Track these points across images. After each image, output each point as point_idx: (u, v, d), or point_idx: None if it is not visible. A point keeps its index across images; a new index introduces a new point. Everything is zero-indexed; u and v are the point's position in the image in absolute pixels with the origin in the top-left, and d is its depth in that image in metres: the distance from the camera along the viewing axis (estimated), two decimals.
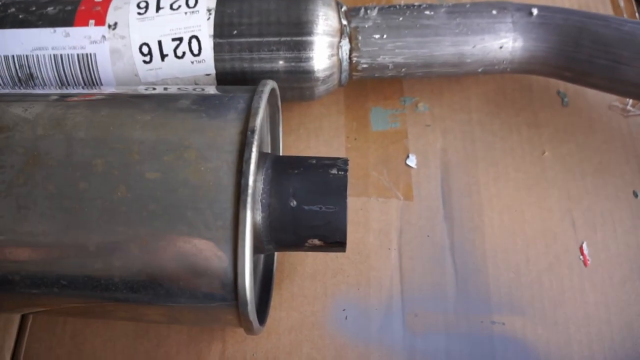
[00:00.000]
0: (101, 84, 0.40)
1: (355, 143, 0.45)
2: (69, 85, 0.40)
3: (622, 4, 0.53)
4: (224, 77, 0.39)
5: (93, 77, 0.39)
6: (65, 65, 0.39)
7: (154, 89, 0.37)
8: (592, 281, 0.41)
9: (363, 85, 0.47)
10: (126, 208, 0.28)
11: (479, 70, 0.42)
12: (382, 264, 0.41)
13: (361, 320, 0.39)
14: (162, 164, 0.29)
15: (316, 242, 0.32)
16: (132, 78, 0.39)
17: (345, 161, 0.32)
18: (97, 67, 0.39)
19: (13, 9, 0.40)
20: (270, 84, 0.34)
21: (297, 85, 0.40)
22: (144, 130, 0.30)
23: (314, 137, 0.45)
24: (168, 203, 0.28)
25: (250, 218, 0.27)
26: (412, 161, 0.44)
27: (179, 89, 0.37)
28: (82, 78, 0.39)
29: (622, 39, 0.40)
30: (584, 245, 0.42)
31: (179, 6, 0.39)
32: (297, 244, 0.32)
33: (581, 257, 0.41)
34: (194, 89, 0.35)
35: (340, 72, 0.41)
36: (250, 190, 0.27)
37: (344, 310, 0.40)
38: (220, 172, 0.28)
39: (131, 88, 0.37)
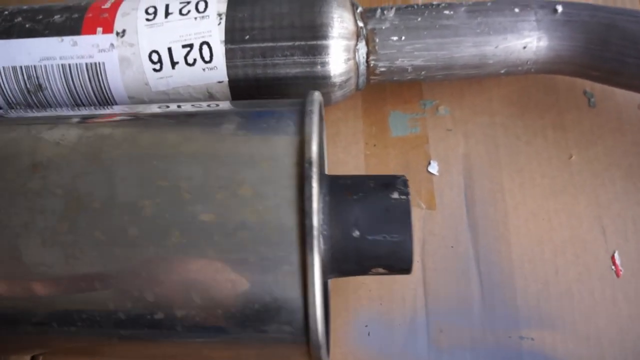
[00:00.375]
0: (111, 95, 0.38)
1: (374, 149, 0.44)
2: (79, 96, 0.39)
3: None
4: (237, 84, 0.38)
5: (102, 86, 0.38)
6: (74, 75, 0.38)
7: (167, 107, 0.35)
8: (625, 292, 0.39)
9: (381, 89, 0.45)
10: (182, 254, 0.27)
11: (502, 71, 0.40)
12: (405, 277, 0.39)
13: (384, 336, 0.38)
14: (216, 203, 0.26)
15: (380, 270, 0.30)
16: (143, 87, 0.38)
17: (405, 182, 0.30)
18: (106, 76, 0.38)
19: (20, 18, 0.39)
20: (317, 99, 0.31)
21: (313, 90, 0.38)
22: (191, 164, 0.28)
23: (332, 144, 0.44)
24: (227, 247, 0.26)
25: (319, 261, 0.26)
26: (433, 168, 0.42)
27: (217, 105, 0.35)
28: (92, 88, 0.38)
29: None
30: (616, 255, 0.40)
31: (189, 11, 0.37)
32: (361, 272, 0.31)
33: (613, 267, 0.39)
34: (236, 109, 0.33)
35: (358, 76, 0.39)
36: (315, 232, 0.26)
37: (366, 326, 0.38)
38: (280, 212, 0.26)
39: (165, 106, 0.35)
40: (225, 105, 0.35)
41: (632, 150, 0.43)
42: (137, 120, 0.33)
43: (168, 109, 0.34)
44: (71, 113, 0.34)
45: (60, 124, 0.32)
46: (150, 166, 0.28)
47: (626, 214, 0.41)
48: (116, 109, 0.35)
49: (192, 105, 0.35)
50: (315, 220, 0.26)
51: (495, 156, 0.43)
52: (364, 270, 0.30)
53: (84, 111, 0.35)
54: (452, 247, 0.40)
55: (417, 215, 0.41)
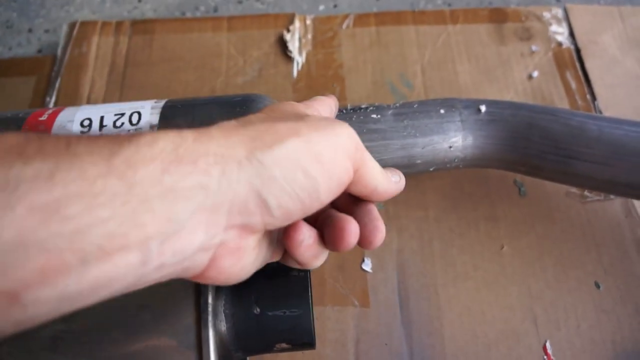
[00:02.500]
0: None
1: None
2: None
3: (573, 85, 0.53)
4: None
5: None
6: None
7: None
8: None
9: None
10: None
11: (431, 169, 0.42)
12: None
13: None
14: None
15: (284, 345, 0.31)
16: None
17: None
18: None
19: None
20: None
21: None
22: None
23: None
24: (132, 328, 0.28)
25: (213, 336, 0.27)
26: (367, 265, 0.43)
27: None
28: None
29: (571, 133, 0.40)
30: (547, 344, 0.41)
31: (122, 123, 0.38)
32: (266, 349, 0.32)
33: (545, 356, 0.40)
34: None
35: None
36: (210, 309, 0.28)
37: None
38: (180, 293, 0.28)
39: None
40: None
41: (562, 237, 0.45)
42: None
43: None
44: None
45: None
46: None
47: (558, 302, 0.42)
48: None
49: None
50: (210, 298, 0.28)
51: (429, 250, 0.44)
52: (268, 346, 0.31)
53: None
54: (386, 344, 0.40)
55: (351, 314, 0.41)
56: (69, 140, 0.18)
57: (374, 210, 0.28)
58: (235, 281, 0.24)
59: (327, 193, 0.24)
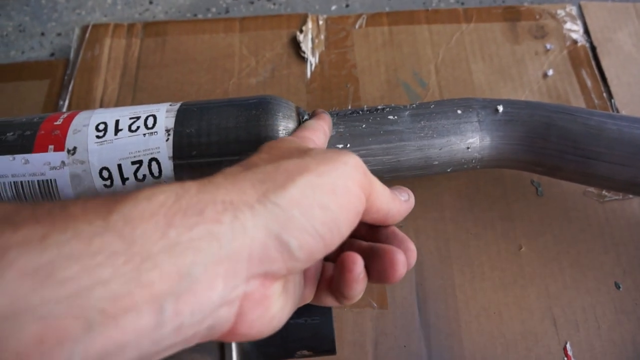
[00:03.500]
0: None
1: None
2: None
3: (589, 84, 0.53)
4: None
5: None
6: (26, 192, 0.38)
7: None
8: None
9: None
10: None
11: (448, 170, 0.42)
12: None
13: None
14: None
15: (305, 352, 0.31)
16: None
17: None
18: (58, 192, 0.38)
19: None
20: None
21: None
22: None
23: None
24: None
25: (236, 345, 0.28)
26: None
27: None
28: None
29: (589, 133, 0.39)
30: (568, 346, 0.40)
31: (138, 127, 0.38)
32: (287, 355, 0.32)
33: (565, 358, 0.40)
34: None
35: None
36: None
37: None
38: None
39: None
40: None
41: (580, 237, 0.44)
42: None
43: None
44: None
45: None
46: None
47: (576, 303, 0.42)
48: None
49: None
50: None
51: (446, 251, 0.44)
52: (289, 353, 0.31)
53: None
54: (404, 346, 0.40)
55: (369, 316, 0.41)
56: (65, 204, 0.18)
57: (398, 233, 0.28)
58: (269, 332, 0.23)
59: (347, 225, 0.23)
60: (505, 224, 0.45)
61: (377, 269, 0.25)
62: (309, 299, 0.28)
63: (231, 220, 0.19)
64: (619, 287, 0.42)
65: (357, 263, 0.24)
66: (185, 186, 0.20)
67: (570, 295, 0.42)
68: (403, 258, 0.25)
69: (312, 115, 0.38)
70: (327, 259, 0.29)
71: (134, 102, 0.53)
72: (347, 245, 0.28)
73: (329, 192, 0.22)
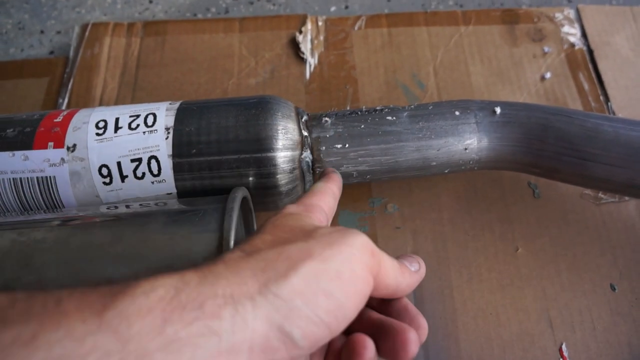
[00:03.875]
0: (63, 206, 0.39)
1: None
2: (30, 208, 0.39)
3: (586, 87, 0.53)
4: (185, 196, 0.38)
5: (54, 199, 0.39)
6: (25, 189, 0.38)
7: (116, 207, 0.37)
8: None
9: None
10: None
11: (446, 171, 0.42)
12: None
13: None
14: None
15: None
16: (94, 199, 0.39)
17: None
18: (57, 189, 0.38)
19: None
20: (239, 196, 0.33)
21: (260, 199, 0.39)
22: (117, 266, 0.30)
23: None
24: None
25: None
26: None
27: (141, 205, 0.36)
28: (43, 201, 0.39)
29: (586, 135, 0.40)
30: (564, 347, 0.40)
31: (138, 125, 0.38)
32: None
33: (561, 359, 0.40)
34: (165, 209, 0.35)
35: (304, 183, 0.40)
36: None
37: None
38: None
39: (95, 208, 0.37)
40: (170, 203, 0.37)
41: (577, 239, 0.45)
42: (72, 222, 0.34)
43: (111, 211, 0.35)
44: (8, 220, 0.35)
45: None
46: (78, 268, 0.30)
47: (573, 304, 0.42)
48: (53, 215, 0.36)
49: (140, 205, 0.36)
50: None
51: (444, 252, 0.44)
52: None
53: (21, 218, 0.36)
54: None
55: None
56: (60, 297, 0.17)
57: (410, 308, 0.27)
58: None
59: (354, 309, 0.23)
60: (502, 225, 0.45)
61: (388, 348, 0.24)
62: None
63: (232, 315, 0.19)
64: (615, 289, 0.43)
65: (368, 348, 0.23)
66: (185, 278, 0.20)
67: (566, 297, 0.42)
68: (416, 337, 0.24)
69: (322, 175, 0.36)
70: None
71: (134, 101, 0.53)
72: (356, 317, 0.28)
73: (334, 279, 0.22)
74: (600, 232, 0.45)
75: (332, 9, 0.63)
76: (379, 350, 0.25)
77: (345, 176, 0.40)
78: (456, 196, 0.46)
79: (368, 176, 0.41)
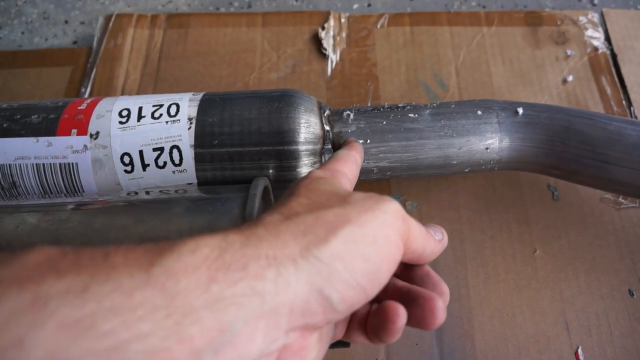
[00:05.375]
0: (83, 191, 0.39)
1: None
2: (51, 192, 0.40)
3: (609, 91, 0.52)
4: (206, 186, 0.39)
5: (75, 185, 0.39)
6: (47, 175, 0.39)
7: (136, 193, 0.37)
8: None
9: None
10: None
11: (466, 170, 0.42)
12: None
13: None
14: None
15: None
16: (114, 187, 0.39)
17: None
18: (79, 176, 0.39)
19: None
20: (262, 184, 0.33)
21: (281, 192, 0.39)
22: None
23: None
24: None
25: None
26: None
27: (162, 191, 0.37)
28: (65, 186, 0.39)
29: (609, 138, 0.39)
30: (580, 350, 0.40)
31: (161, 114, 0.39)
32: None
33: None
34: (190, 195, 0.35)
35: None
36: None
37: None
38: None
39: (115, 195, 0.37)
40: (191, 191, 0.37)
41: (595, 243, 0.44)
42: (94, 206, 0.34)
43: (131, 197, 0.36)
44: (32, 202, 0.36)
45: (23, 211, 0.33)
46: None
47: (590, 308, 0.42)
48: (78, 199, 0.37)
49: (160, 191, 0.36)
50: None
51: (461, 251, 0.44)
52: None
53: (45, 200, 0.37)
54: (416, 344, 0.40)
55: None
56: (107, 251, 0.18)
57: (432, 275, 0.28)
58: None
59: (387, 274, 0.23)
60: (521, 227, 0.45)
61: (416, 316, 0.25)
62: (339, 336, 0.27)
63: (275, 276, 0.19)
64: (633, 295, 0.42)
65: (401, 315, 0.24)
66: (228, 239, 0.20)
67: (584, 300, 0.42)
68: (442, 305, 0.25)
69: (344, 144, 0.38)
70: None
71: (155, 91, 0.53)
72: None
73: (371, 243, 0.22)
74: (619, 237, 0.44)
75: (355, 6, 0.64)
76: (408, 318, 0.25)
77: (366, 172, 0.40)
78: (475, 196, 0.46)
79: (388, 172, 0.41)
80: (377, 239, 0.23)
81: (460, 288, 0.42)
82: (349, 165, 0.32)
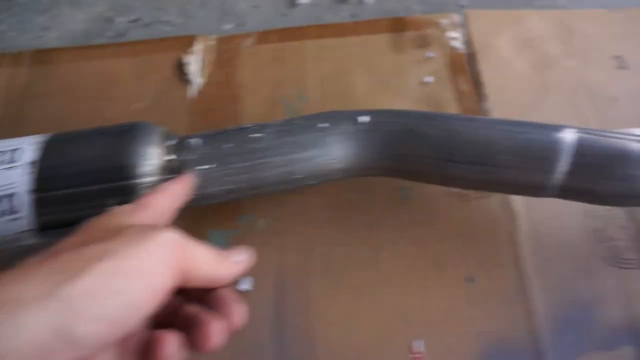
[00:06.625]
0: None
1: None
2: None
3: (465, 88, 0.55)
4: (47, 231, 0.39)
5: None
6: None
7: None
8: None
9: (201, 208, 0.45)
10: None
11: (314, 182, 0.43)
12: None
13: None
14: None
15: None
16: None
17: None
18: None
19: None
20: None
21: None
22: None
23: None
24: None
25: None
26: (246, 283, 0.44)
27: None
28: None
29: (447, 137, 0.41)
30: (419, 343, 0.42)
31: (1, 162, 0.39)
32: None
33: (411, 356, 0.41)
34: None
35: None
36: None
37: None
38: None
39: None
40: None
41: (438, 238, 0.46)
42: None
43: None
44: None
45: None
46: None
47: (431, 300, 0.43)
48: None
49: None
50: None
51: (307, 264, 0.45)
52: None
53: None
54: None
55: None
56: None
57: (226, 297, 0.28)
58: None
59: (151, 305, 0.24)
60: (372, 230, 0.46)
61: (193, 340, 0.25)
62: None
63: (10, 319, 0.19)
64: (472, 281, 0.44)
65: (166, 343, 0.24)
66: None
67: (424, 294, 0.44)
68: (219, 328, 0.25)
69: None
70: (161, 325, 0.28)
71: (18, 134, 0.52)
72: (170, 309, 0.28)
73: (129, 277, 0.23)
74: (463, 229, 0.46)
75: (229, 26, 0.64)
76: (189, 343, 0.26)
77: (210, 197, 0.41)
78: (328, 206, 0.47)
79: (232, 194, 0.42)
80: (141, 271, 0.23)
81: (304, 300, 0.43)
82: (163, 197, 0.33)
